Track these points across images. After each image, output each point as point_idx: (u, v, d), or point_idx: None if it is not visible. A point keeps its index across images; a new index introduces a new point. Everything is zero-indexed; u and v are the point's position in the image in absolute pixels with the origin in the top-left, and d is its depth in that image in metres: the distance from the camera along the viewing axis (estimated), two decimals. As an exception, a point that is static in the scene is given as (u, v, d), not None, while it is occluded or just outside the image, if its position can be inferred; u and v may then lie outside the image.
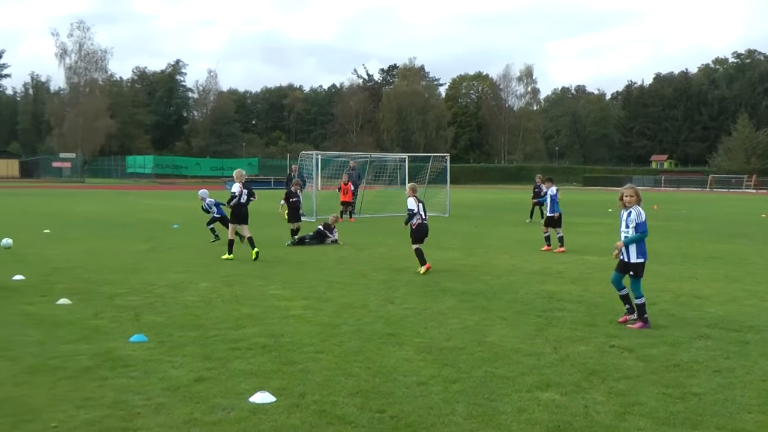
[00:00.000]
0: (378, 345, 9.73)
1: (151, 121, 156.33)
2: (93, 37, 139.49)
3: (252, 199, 19.41)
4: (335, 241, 22.78)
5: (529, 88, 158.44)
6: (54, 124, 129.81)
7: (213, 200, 23.01)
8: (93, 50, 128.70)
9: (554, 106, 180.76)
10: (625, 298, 11.19)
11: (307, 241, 22.30)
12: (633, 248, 10.99)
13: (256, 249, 18.73)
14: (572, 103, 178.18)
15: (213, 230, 22.94)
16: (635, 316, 11.01)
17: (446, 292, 13.92)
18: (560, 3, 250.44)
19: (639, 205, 11.08)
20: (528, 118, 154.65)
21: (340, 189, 33.37)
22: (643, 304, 10.95)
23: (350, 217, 32.88)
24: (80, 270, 16.49)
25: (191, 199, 53.20)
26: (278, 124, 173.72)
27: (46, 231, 25.43)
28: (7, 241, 20.16)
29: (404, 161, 44.33)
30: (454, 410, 7.15)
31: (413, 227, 16.91)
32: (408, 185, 17.59)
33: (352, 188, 33.10)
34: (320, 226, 23.18)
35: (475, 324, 11.11)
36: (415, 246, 16.96)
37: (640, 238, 10.96)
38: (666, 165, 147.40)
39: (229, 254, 18.77)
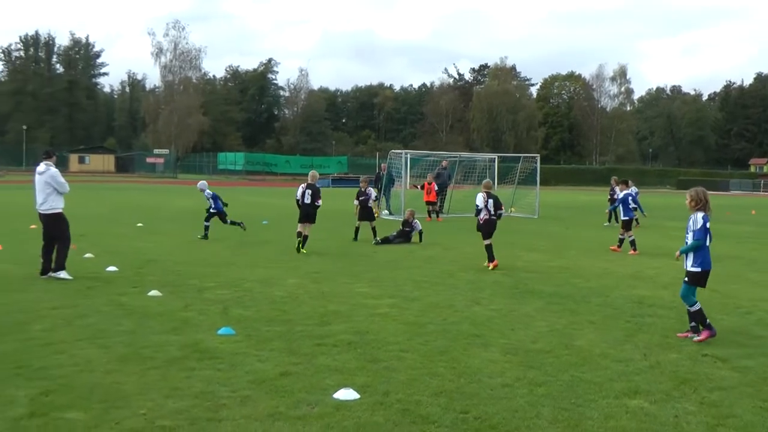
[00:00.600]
0: (463, 345, 9.65)
1: (243, 119, 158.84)
2: (188, 36, 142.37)
3: (317, 203, 19.78)
4: (421, 232, 22.72)
5: (622, 89, 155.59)
6: (148, 121, 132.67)
7: (212, 193, 22.92)
8: (188, 49, 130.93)
9: (648, 107, 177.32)
10: (693, 315, 10.48)
11: (391, 239, 22.29)
12: (691, 255, 10.46)
13: (304, 249, 19.29)
14: (667, 103, 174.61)
15: (207, 228, 22.55)
16: (701, 337, 10.28)
17: (533, 294, 13.76)
18: (656, 1, 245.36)
19: (704, 210, 10.51)
20: (621, 118, 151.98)
21: (423, 187, 33.27)
22: (699, 311, 10.31)
23: (437, 216, 32.75)
24: (171, 263, 16.81)
25: (281, 196, 53.87)
26: (368, 123, 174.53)
27: (139, 224, 26.00)
28: None
29: (494, 161, 44.07)
30: (539, 414, 7.04)
31: (480, 222, 17.35)
32: (484, 182, 18.19)
33: (436, 188, 32.91)
34: (401, 227, 23.18)
35: (562, 327, 10.94)
36: (485, 242, 17.38)
37: (693, 247, 10.37)
38: (766, 168, 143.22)
39: (301, 248, 19.31)
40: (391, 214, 33.84)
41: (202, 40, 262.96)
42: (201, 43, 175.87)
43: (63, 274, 14.35)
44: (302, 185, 20.03)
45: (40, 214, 14.71)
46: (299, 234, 19.60)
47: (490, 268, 16.98)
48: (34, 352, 8.80)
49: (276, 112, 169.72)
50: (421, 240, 22.57)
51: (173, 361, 8.53)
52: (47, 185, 14.53)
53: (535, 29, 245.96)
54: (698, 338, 10.20)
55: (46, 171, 14.62)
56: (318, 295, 13.17)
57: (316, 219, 19.98)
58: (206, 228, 22.52)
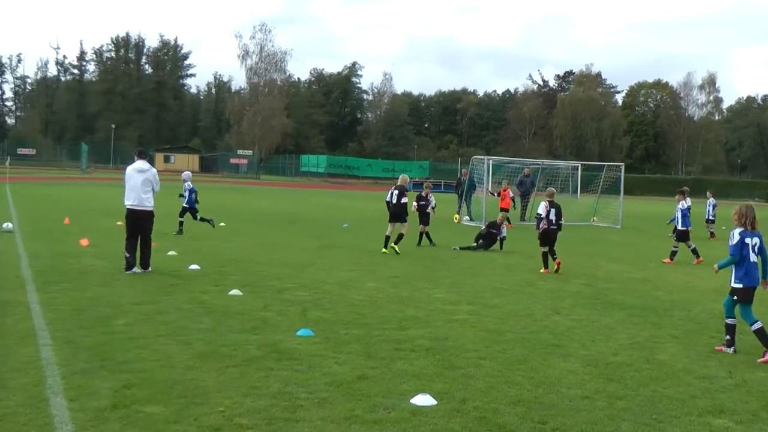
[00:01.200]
0: (542, 355, 9.53)
1: (326, 122, 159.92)
2: (273, 39, 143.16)
3: (403, 200, 20.39)
4: (503, 239, 22.57)
5: (711, 97, 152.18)
6: (233, 122, 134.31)
7: (191, 186, 23.28)
8: (273, 52, 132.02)
9: (738, 117, 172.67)
10: (729, 328, 10.25)
11: (477, 243, 22.16)
12: (732, 270, 10.24)
13: (393, 245, 20.04)
14: (758, 113, 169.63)
15: (181, 223, 22.98)
16: (732, 351, 10.10)
17: (615, 306, 13.53)
18: (749, 7, 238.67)
19: (745, 226, 10.21)
20: (708, 128, 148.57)
21: (499, 194, 32.96)
22: (760, 330, 9.88)
23: (508, 222, 32.14)
24: (252, 263, 17.00)
25: (362, 199, 54.14)
26: (451, 128, 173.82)
27: (221, 224, 26.34)
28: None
29: (577, 169, 43.54)
30: (619, 428, 6.90)
31: (539, 231, 17.79)
32: (547, 190, 18.73)
33: (511, 195, 32.54)
34: (485, 228, 23.07)
35: (644, 340, 10.72)
36: (543, 249, 17.81)
37: (728, 263, 10.24)
38: None
39: (391, 246, 19.97)
40: (471, 220, 33.67)
41: (288, 42, 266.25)
42: (286, 46, 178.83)
43: (149, 269, 15.14)
44: (392, 188, 20.72)
45: (135, 210, 15.07)
46: (388, 237, 20.20)
47: (542, 271, 17.55)
48: (117, 346, 8.99)
49: (359, 116, 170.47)
50: (501, 247, 22.42)
51: (252, 360, 8.61)
52: (148, 182, 15.18)
53: (622, 36, 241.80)
54: (762, 359, 9.77)
55: (149, 170, 15.30)
56: (396, 300, 13.17)
57: (405, 218, 20.42)
58: (180, 224, 22.94)
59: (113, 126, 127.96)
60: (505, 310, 12.59)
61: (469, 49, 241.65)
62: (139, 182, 15.10)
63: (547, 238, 17.74)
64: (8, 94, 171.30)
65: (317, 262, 17.74)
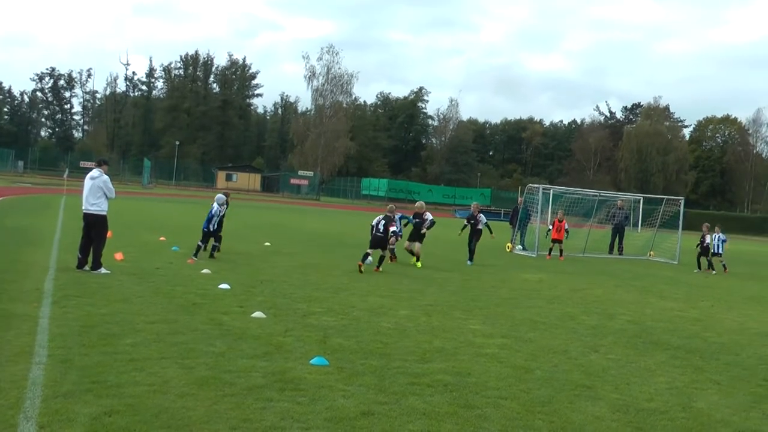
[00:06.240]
0: (569, 397, 8.83)
1: (390, 146, 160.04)
2: (341, 61, 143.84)
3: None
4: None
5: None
6: (296, 143, 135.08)
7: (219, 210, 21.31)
8: (340, 74, 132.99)
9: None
10: None
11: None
12: None
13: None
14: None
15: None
16: None
17: (658, 346, 12.68)
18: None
19: None
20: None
21: (553, 225, 32.11)
22: None
23: (560, 255, 31.23)
24: (285, 285, 16.49)
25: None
26: (515, 157, 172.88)
27: (266, 244, 25.96)
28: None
29: (639, 202, 42.54)
30: (640, 485, 6.21)
31: (371, 238, 21.22)
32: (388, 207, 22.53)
33: (566, 227, 31.62)
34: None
35: (683, 385, 9.92)
36: (374, 251, 21.31)
37: None
38: None
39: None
40: (524, 249, 32.87)
41: (355, 65, 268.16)
42: (353, 69, 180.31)
43: (102, 270, 16.00)
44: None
45: (85, 214, 16.53)
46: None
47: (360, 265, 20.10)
48: (114, 367, 8.49)
49: (423, 141, 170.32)
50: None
51: (252, 390, 8.04)
52: (99, 189, 16.44)
53: (692, 69, 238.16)
54: None
55: (99, 176, 16.54)
56: (426, 330, 12.53)
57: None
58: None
59: (177, 143, 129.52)
60: (539, 345, 11.88)
61: (533, 78, 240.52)
62: (88, 188, 16.45)
63: (379, 242, 20.87)
64: (77, 108, 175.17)
65: (354, 286, 17.19)
